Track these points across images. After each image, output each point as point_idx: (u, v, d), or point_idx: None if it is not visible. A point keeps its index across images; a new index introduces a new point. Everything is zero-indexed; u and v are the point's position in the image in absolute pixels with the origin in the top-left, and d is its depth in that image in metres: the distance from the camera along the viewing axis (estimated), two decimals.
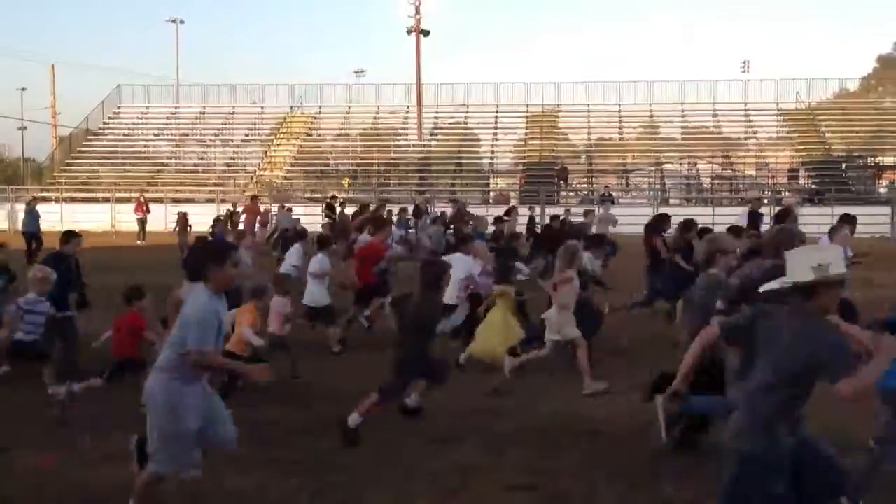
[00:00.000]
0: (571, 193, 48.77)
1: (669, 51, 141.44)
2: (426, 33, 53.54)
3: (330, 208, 31.46)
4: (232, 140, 55.85)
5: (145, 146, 55.65)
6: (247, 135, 56.32)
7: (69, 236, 11.04)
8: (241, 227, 26.25)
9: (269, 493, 6.60)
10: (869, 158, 49.56)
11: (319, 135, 57.28)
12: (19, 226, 41.52)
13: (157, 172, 52.13)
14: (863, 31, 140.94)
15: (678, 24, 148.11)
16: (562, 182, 48.16)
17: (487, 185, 51.91)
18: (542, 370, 10.42)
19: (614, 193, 46.90)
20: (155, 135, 56.62)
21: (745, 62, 68.48)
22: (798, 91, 56.31)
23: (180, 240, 25.20)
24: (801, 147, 52.24)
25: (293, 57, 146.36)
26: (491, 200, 45.96)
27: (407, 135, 57.42)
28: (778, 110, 56.06)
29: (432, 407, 8.68)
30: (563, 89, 57.36)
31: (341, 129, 57.22)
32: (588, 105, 56.87)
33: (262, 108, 58.34)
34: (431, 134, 56.90)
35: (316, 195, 45.33)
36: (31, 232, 25.06)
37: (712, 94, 56.59)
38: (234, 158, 54.24)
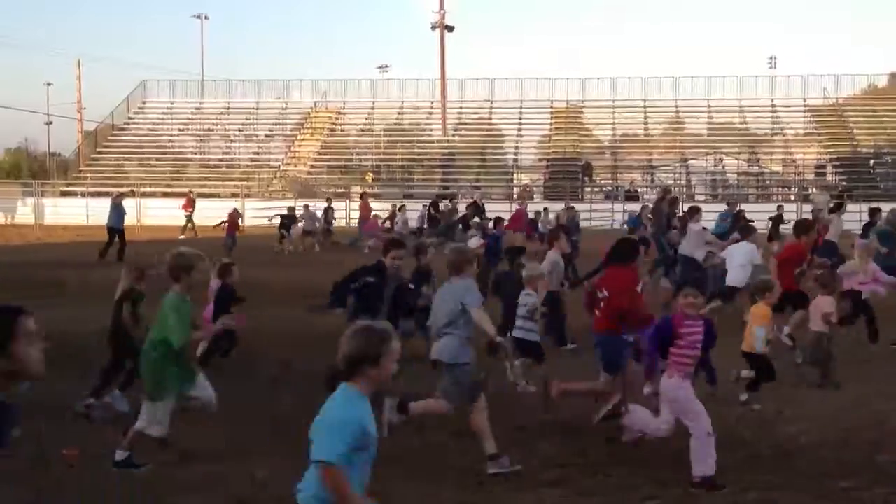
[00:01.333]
0: (596, 189, 48.52)
1: (696, 46, 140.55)
2: (450, 29, 53.48)
3: (435, 206, 31.74)
4: (256, 135, 55.99)
5: (170, 141, 55.90)
6: (271, 130, 56.43)
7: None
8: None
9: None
10: None
11: (343, 130, 57.32)
12: (45, 219, 42.15)
13: (182, 167, 52.36)
14: (891, 27, 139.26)
15: (705, 20, 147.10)
16: (586, 178, 47.92)
17: (511, 180, 51.72)
18: (574, 362, 10.32)
19: (639, 189, 46.63)
20: (179, 130, 56.85)
21: (771, 58, 67.89)
22: (825, 87, 55.64)
23: (227, 239, 25.38)
24: (829, 143, 51.69)
25: (317, 52, 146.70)
26: (515, 196, 45.73)
27: (431, 130, 57.35)
28: (805, 106, 55.45)
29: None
30: (588, 85, 57.01)
31: (365, 124, 57.22)
32: (613, 101, 56.48)
33: (287, 103, 58.44)
34: (455, 129, 56.78)
35: (340, 190, 45.33)
36: (116, 228, 24.55)
37: (739, 89, 56.04)
38: (258, 153, 54.37)
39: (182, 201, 36.69)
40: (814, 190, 42.45)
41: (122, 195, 27.65)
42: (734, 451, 7.05)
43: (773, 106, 55.58)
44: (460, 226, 26.51)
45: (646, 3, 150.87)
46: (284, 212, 28.76)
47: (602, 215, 38.86)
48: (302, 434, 3.96)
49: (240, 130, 56.36)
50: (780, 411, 8.28)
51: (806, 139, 54.06)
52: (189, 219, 34.96)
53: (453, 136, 56.09)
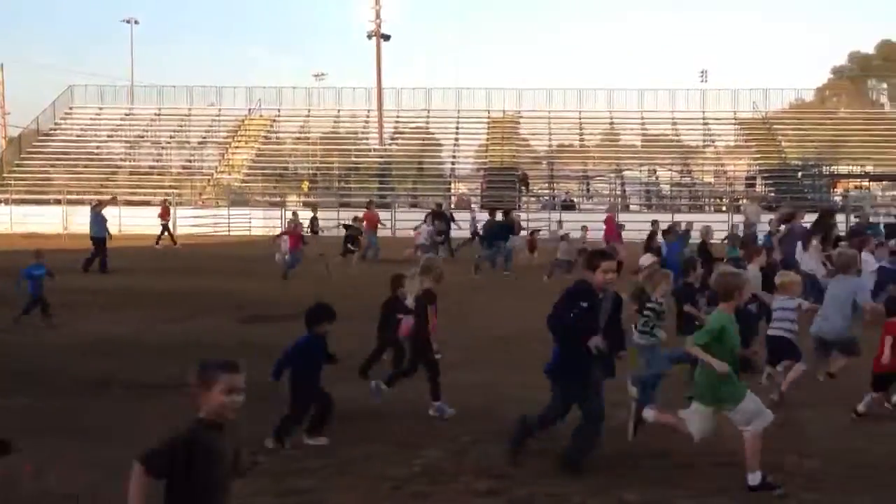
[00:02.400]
0: (532, 199, 48.84)
1: (629, 59, 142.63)
2: (386, 38, 53.37)
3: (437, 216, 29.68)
4: (188, 142, 55.21)
5: (98, 148, 54.78)
6: (203, 137, 55.73)
7: None
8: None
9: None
10: (824, 168, 50.22)
11: (278, 138, 56.88)
12: None
13: (111, 174, 51.28)
14: (818, 43, 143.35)
15: (638, 32, 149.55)
16: (523, 188, 48.20)
17: (449, 189, 51.80)
18: (506, 371, 10.28)
19: (575, 199, 47.09)
20: (108, 136, 55.81)
21: (703, 72, 69.42)
22: (755, 101, 57.02)
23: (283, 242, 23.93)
24: (758, 155, 52.89)
25: (252, 59, 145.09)
26: (452, 206, 45.78)
27: (368, 139, 57.19)
28: (735, 119, 56.71)
29: (396, 411, 8.54)
30: (525, 95, 57.56)
31: (301, 132, 56.88)
32: (549, 111, 57.07)
33: (220, 110, 57.80)
34: (392, 138, 56.74)
35: (275, 199, 44.87)
36: (99, 237, 23.40)
37: (672, 102, 57.12)
38: (190, 161, 53.57)
39: (158, 210, 35.47)
40: (744, 201, 43.25)
41: (102, 203, 26.23)
42: (667, 458, 7.13)
43: (704, 119, 56.72)
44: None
45: (581, 15, 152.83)
46: (349, 221, 26.73)
47: (539, 225, 39.05)
48: None
49: (171, 137, 55.52)
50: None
51: (736, 151, 55.27)
52: (165, 227, 33.73)
53: (390, 144, 56.02)
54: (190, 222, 39.72)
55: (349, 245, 24.32)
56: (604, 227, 26.32)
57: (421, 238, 25.67)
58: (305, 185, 51.26)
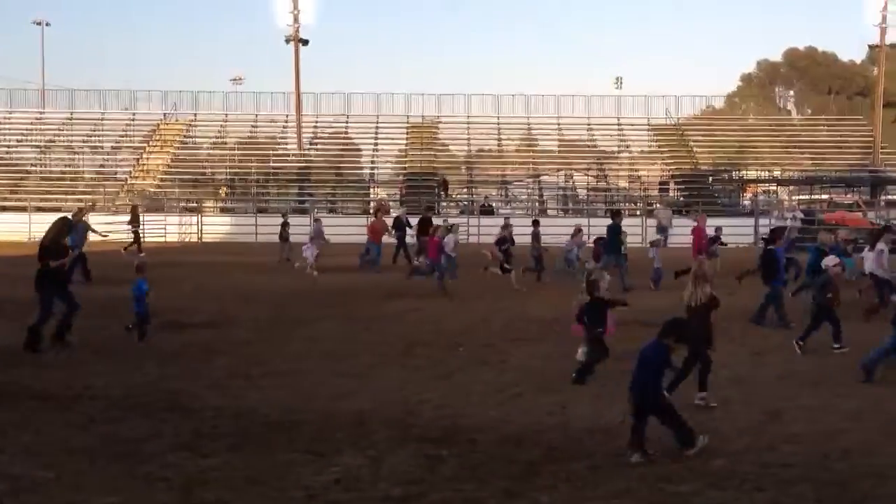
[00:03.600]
0: (452, 204, 49.04)
1: (546, 66, 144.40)
2: (305, 42, 52.90)
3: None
4: (101, 147, 53.90)
5: (7, 152, 53.09)
6: (117, 142, 54.48)
7: None
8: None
9: None
10: (734, 172, 51.63)
11: (195, 143, 55.96)
12: None
13: (21, 180, 49.73)
14: (728, 51, 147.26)
15: (554, 39, 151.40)
16: (442, 192, 48.38)
17: (368, 195, 51.66)
18: (421, 375, 10.37)
19: (494, 204, 47.45)
20: (18, 141, 54.08)
21: (618, 78, 70.61)
22: (667, 107, 58.37)
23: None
24: (671, 161, 54.09)
25: (167, 63, 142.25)
26: (371, 211, 45.71)
27: (286, 144, 56.67)
28: (649, 125, 57.93)
29: (309, 418, 8.50)
30: (444, 101, 57.80)
31: (218, 137, 56.07)
32: (468, 117, 57.46)
33: (134, 114, 56.60)
34: (311, 143, 56.34)
35: (191, 204, 44.14)
36: (79, 247, 21.56)
37: (587, 108, 58.09)
38: (104, 166, 52.29)
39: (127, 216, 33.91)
40: (657, 205, 44.17)
41: (82, 211, 25.23)
42: (577, 461, 7.24)
43: (619, 124, 57.82)
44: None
45: (498, 22, 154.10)
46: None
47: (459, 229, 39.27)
48: None
49: (84, 142, 54.12)
50: (622, 421, 8.53)
51: (650, 156, 56.43)
52: (136, 234, 32.28)
53: (309, 149, 55.63)
54: (103, 228, 38.73)
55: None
56: (691, 237, 24.04)
57: (448, 248, 23.15)
58: (223, 190, 50.54)
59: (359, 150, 57.21)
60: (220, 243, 37.13)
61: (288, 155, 55.21)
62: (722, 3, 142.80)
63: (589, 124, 57.73)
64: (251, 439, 7.82)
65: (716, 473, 6.99)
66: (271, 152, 55.41)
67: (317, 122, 57.60)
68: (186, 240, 39.99)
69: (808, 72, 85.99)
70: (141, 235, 32.48)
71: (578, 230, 23.47)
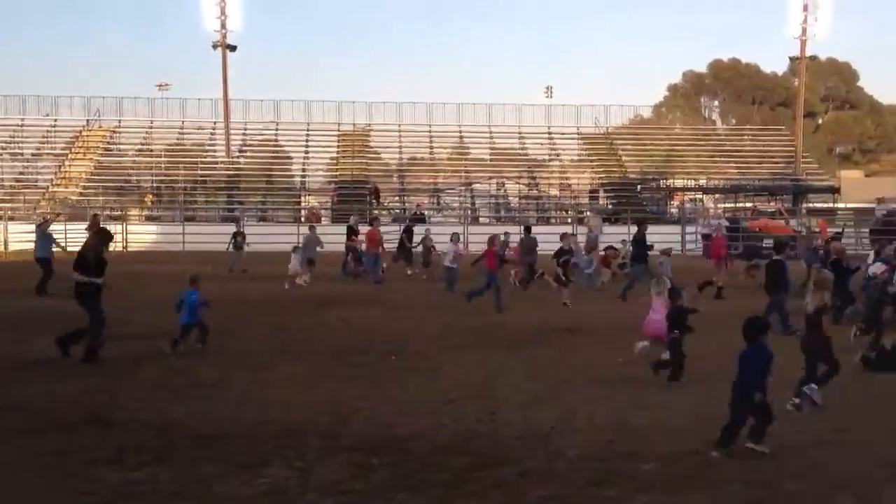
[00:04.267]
0: (384, 212, 48.95)
1: (477, 74, 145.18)
2: (233, 48, 52.37)
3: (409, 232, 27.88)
4: (21, 154, 52.51)
5: None
6: (38, 148, 53.15)
7: None
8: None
9: None
10: (661, 181, 52.57)
11: (119, 150, 54.90)
12: None
13: None
14: (655, 62, 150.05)
15: (486, 48, 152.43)
16: (374, 201, 48.24)
17: (299, 202, 51.28)
18: (349, 386, 10.27)
19: (426, 212, 47.48)
20: None
21: (548, 88, 71.36)
22: (597, 117, 59.20)
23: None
24: (601, 169, 54.86)
25: (90, 68, 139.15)
26: (302, 219, 45.35)
27: (214, 151, 55.95)
28: (579, 134, 58.67)
29: (237, 429, 8.36)
30: (375, 109, 57.72)
31: (143, 144, 55.07)
32: (399, 125, 57.45)
33: (56, 120, 55.26)
34: (240, 151, 55.73)
35: (116, 213, 43.20)
36: (45, 258, 21.10)
37: (518, 117, 58.58)
38: (23, 173, 50.92)
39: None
40: (588, 213, 44.74)
41: (47, 221, 23.95)
42: (507, 468, 7.24)
43: (549, 133, 58.44)
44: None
45: (430, 31, 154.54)
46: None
47: (389, 237, 39.15)
48: None
49: (3, 149, 52.62)
50: (552, 427, 8.58)
51: (580, 165, 57.13)
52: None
53: (238, 157, 55.01)
54: (23, 238, 37.67)
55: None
56: (710, 243, 24.12)
57: (447, 259, 21.96)
58: (149, 198, 49.61)
59: (289, 157, 56.80)
60: (146, 252, 36.38)
61: (216, 162, 54.52)
62: (649, 15, 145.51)
63: (520, 133, 58.24)
64: (177, 452, 7.64)
65: (644, 478, 7.04)
66: (199, 160, 54.64)
67: (246, 129, 57.04)
68: (111, 249, 39.06)
69: (732, 83, 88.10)
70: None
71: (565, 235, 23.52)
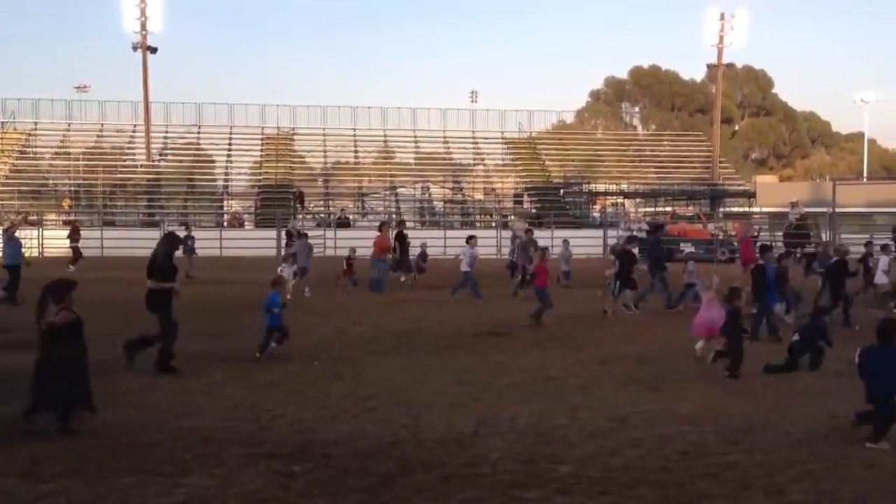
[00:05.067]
0: (308, 216, 48.61)
1: (403, 78, 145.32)
2: (153, 50, 51.41)
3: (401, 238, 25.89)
4: None
5: None
6: None
7: None
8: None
9: None
10: (584, 185, 53.33)
11: (35, 153, 53.44)
12: None
13: None
14: (577, 68, 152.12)
15: (411, 52, 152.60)
16: (298, 205, 47.87)
17: (221, 207, 50.60)
18: (270, 390, 10.22)
19: (350, 217, 47.32)
20: None
21: (473, 92, 71.84)
22: (521, 122, 59.82)
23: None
24: (524, 174, 55.40)
25: (5, 69, 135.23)
26: (225, 224, 44.79)
27: (134, 154, 54.83)
28: (503, 139, 59.17)
29: (155, 438, 8.26)
30: (299, 112, 57.34)
31: (61, 146, 53.67)
32: (324, 129, 57.16)
33: None
34: (161, 154, 54.76)
35: (32, 217, 41.99)
36: (13, 265, 19.93)
37: (443, 121, 58.83)
38: None
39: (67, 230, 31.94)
40: (512, 217, 45.12)
41: (14, 225, 22.82)
42: (429, 472, 7.30)
43: (474, 138, 58.80)
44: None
45: (354, 33, 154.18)
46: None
47: (314, 242, 38.91)
48: None
49: None
50: (475, 430, 8.67)
51: (504, 169, 57.63)
52: (77, 251, 30.18)
53: (159, 160, 54.03)
54: None
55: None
56: (739, 245, 23.64)
57: (464, 264, 21.21)
58: (67, 202, 48.35)
59: (212, 161, 56.02)
60: (63, 258, 35.43)
61: (136, 166, 53.45)
62: (572, 21, 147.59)
63: (445, 137, 58.48)
64: (93, 462, 7.49)
65: (563, 479, 7.18)
66: (119, 163, 53.49)
67: (167, 132, 56.12)
68: (27, 254, 38.01)
69: (652, 89, 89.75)
70: (79, 249, 30.49)
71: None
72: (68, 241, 30.97)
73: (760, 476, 7.24)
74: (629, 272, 18.35)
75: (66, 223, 33.72)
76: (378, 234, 24.42)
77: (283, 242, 26.81)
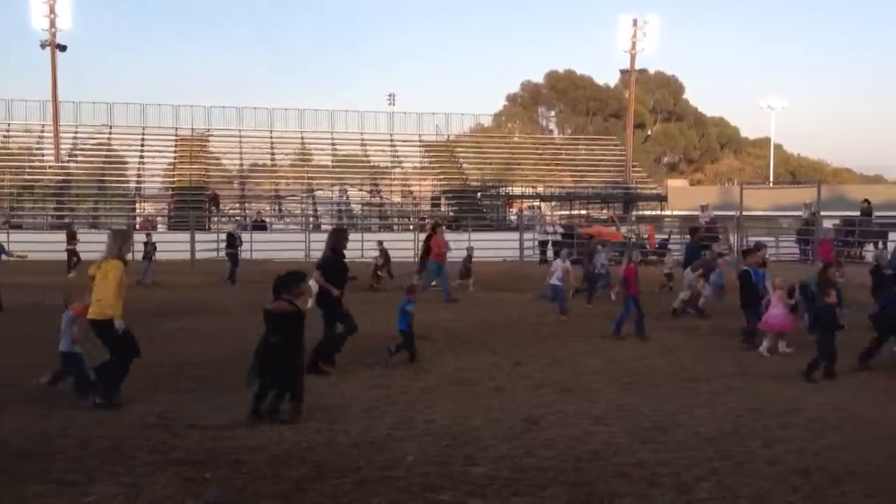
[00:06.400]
0: (224, 219, 47.91)
1: (319, 80, 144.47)
2: (63, 48, 50.03)
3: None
4: None
5: None
6: None
7: None
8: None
9: None
10: (500, 188, 53.80)
11: None
12: None
13: None
14: (495, 72, 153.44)
15: (329, 55, 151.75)
16: (213, 207, 47.16)
17: (134, 209, 49.52)
18: (186, 396, 10.06)
19: (266, 220, 46.83)
20: None
21: (390, 95, 71.91)
22: (438, 125, 60.07)
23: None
24: (442, 176, 55.63)
25: None
26: (137, 226, 43.80)
27: (43, 155, 53.25)
28: (420, 142, 59.31)
29: (63, 446, 8.09)
30: (214, 113, 56.52)
31: None
32: (240, 130, 56.44)
33: None
34: (70, 155, 53.31)
35: None
36: None
37: (361, 124, 58.68)
38: None
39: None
40: (429, 220, 45.22)
41: None
42: (344, 477, 7.30)
43: (392, 140, 58.80)
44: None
45: (270, 34, 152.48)
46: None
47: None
48: None
49: None
50: (390, 434, 8.69)
51: (422, 172, 57.77)
52: (75, 254, 28.56)
53: (68, 161, 52.59)
54: None
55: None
56: (819, 249, 23.14)
57: (555, 276, 19.08)
58: None
59: (124, 162, 54.74)
60: None
61: (45, 167, 51.93)
62: (489, 26, 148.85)
63: (363, 140, 58.35)
64: None
65: (476, 481, 7.25)
66: (26, 164, 51.90)
67: (77, 132, 54.68)
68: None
69: (567, 94, 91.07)
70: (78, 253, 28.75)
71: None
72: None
73: (668, 474, 7.43)
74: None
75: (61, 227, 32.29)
76: (432, 235, 22.96)
77: (224, 244, 26.23)
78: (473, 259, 24.91)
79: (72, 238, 29.46)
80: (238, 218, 46.03)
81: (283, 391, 9.11)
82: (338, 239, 12.34)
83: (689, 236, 21.93)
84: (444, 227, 25.06)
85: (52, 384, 10.31)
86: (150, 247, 25.97)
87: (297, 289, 9.49)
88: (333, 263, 11.97)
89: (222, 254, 36.28)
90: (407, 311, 12.61)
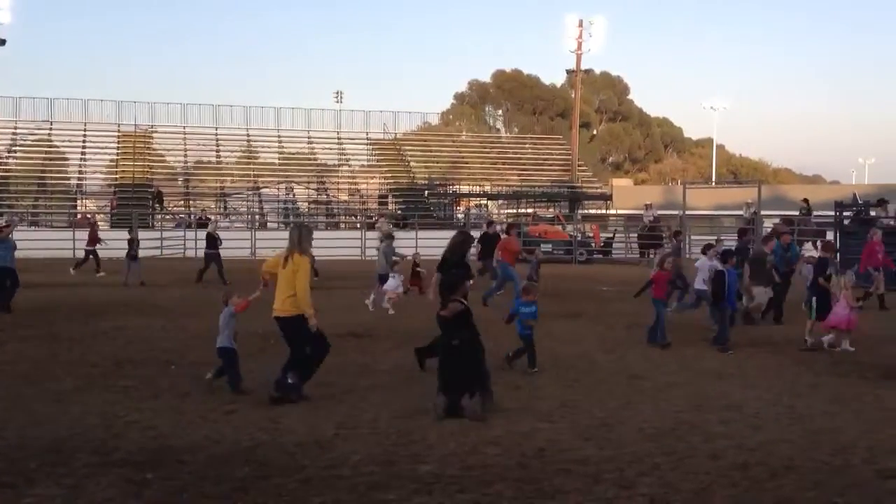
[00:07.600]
0: (167, 217, 47.30)
1: (266, 78, 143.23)
2: (2, 42, 49.00)
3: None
4: None
5: None
6: None
7: None
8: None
9: None
10: (448, 187, 53.91)
11: None
12: None
13: None
14: (442, 71, 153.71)
15: (275, 52, 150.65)
16: (157, 205, 46.52)
17: (75, 206, 48.63)
18: (124, 397, 9.92)
19: (211, 217, 46.29)
20: None
21: (338, 93, 71.67)
22: (385, 123, 60.00)
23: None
24: (389, 174, 55.58)
25: None
26: (504, 228, 42.86)
27: None
28: (368, 140, 59.18)
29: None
30: (158, 109, 55.80)
31: None
32: (184, 127, 55.77)
33: None
34: (10, 151, 52.22)
35: None
36: (10, 268, 18.17)
37: (308, 122, 58.39)
38: None
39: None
40: (378, 218, 45.14)
41: (10, 226, 20.62)
42: (289, 476, 7.25)
43: (339, 138, 58.58)
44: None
45: (214, 29, 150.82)
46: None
47: (173, 243, 37.91)
48: None
49: None
50: (336, 433, 8.65)
51: (369, 170, 57.69)
52: (94, 254, 27.84)
53: (7, 158, 51.49)
54: None
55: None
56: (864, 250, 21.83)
57: (699, 281, 16.92)
58: None
59: (65, 158, 53.78)
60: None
61: None
62: (437, 24, 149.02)
63: (309, 137, 58.03)
64: None
65: (422, 479, 7.25)
66: None
67: (16, 128, 53.57)
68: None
69: (514, 93, 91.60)
70: (97, 253, 28.20)
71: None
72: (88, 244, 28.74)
73: (611, 470, 7.50)
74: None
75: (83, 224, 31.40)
76: (505, 236, 21.95)
77: (205, 245, 25.69)
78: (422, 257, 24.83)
79: (93, 241, 28.56)
80: (182, 216, 45.51)
81: (472, 390, 9.23)
82: (464, 243, 12.35)
83: (736, 238, 19.91)
84: (519, 228, 24.00)
85: (217, 378, 10.60)
86: (134, 244, 25.14)
87: (464, 288, 9.86)
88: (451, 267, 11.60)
89: (166, 252, 36.11)
90: (523, 314, 12.03)
